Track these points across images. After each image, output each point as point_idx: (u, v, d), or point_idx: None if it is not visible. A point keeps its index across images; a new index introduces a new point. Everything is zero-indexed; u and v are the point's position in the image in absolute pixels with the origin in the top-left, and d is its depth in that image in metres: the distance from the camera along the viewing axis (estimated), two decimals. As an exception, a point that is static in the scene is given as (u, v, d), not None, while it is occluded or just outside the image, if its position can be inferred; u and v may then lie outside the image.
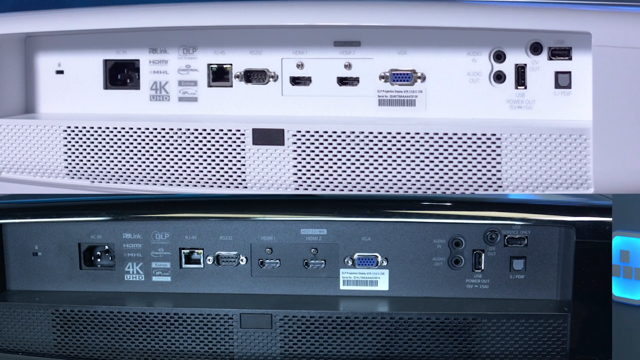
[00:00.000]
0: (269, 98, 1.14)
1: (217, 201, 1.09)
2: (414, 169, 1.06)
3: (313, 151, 1.09)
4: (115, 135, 1.15)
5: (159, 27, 1.15)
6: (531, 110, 1.07)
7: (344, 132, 1.08)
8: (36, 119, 1.19)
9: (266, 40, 1.13)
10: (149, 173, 1.14)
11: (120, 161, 1.15)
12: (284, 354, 1.05)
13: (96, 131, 1.15)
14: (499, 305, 1.04)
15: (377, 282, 1.07)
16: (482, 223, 1.04)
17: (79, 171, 1.17)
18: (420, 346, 1.03)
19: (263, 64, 1.14)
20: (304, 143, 1.09)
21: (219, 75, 1.16)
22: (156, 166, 1.14)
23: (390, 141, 1.07)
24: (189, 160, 1.13)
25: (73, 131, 1.16)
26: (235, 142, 1.11)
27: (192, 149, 1.12)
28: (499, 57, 1.07)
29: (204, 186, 1.12)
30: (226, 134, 1.11)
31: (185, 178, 1.13)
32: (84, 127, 1.16)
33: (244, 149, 1.11)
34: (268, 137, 1.10)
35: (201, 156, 1.12)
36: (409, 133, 1.06)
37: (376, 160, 1.07)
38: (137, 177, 1.14)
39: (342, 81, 1.12)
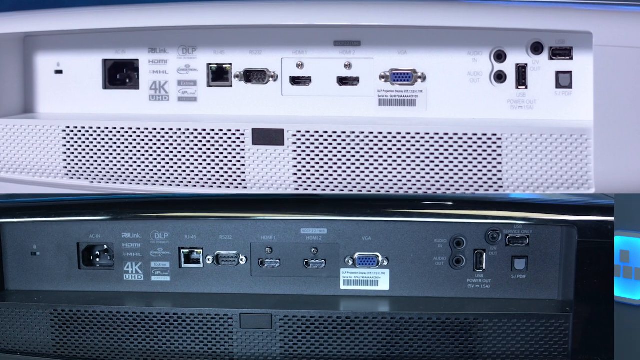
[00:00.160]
0: (269, 98, 1.14)
1: (217, 200, 1.09)
2: (414, 169, 1.06)
3: (313, 151, 1.09)
4: (115, 135, 1.14)
5: (158, 27, 1.14)
6: (532, 110, 1.07)
7: (344, 132, 1.08)
8: (35, 118, 1.18)
9: (266, 40, 1.13)
10: (148, 173, 1.14)
11: (119, 161, 1.14)
12: (284, 354, 1.04)
13: (95, 131, 1.15)
14: (501, 305, 1.03)
15: (377, 282, 1.07)
16: (483, 222, 1.03)
17: (78, 171, 1.16)
18: (421, 346, 1.03)
19: (263, 64, 1.14)
20: (303, 143, 1.09)
21: (219, 75, 1.15)
22: (155, 166, 1.13)
23: (390, 141, 1.06)
24: (188, 160, 1.12)
25: (72, 131, 1.16)
26: (235, 142, 1.11)
27: (192, 149, 1.12)
28: (500, 56, 1.07)
29: (203, 186, 1.12)
30: (226, 134, 1.11)
31: (185, 178, 1.13)
32: (83, 127, 1.15)
33: (243, 149, 1.11)
34: (268, 137, 1.10)
35: (201, 156, 1.12)
36: (409, 133, 1.06)
37: (376, 161, 1.07)
38: (137, 177, 1.14)
39: (342, 81, 1.12)
